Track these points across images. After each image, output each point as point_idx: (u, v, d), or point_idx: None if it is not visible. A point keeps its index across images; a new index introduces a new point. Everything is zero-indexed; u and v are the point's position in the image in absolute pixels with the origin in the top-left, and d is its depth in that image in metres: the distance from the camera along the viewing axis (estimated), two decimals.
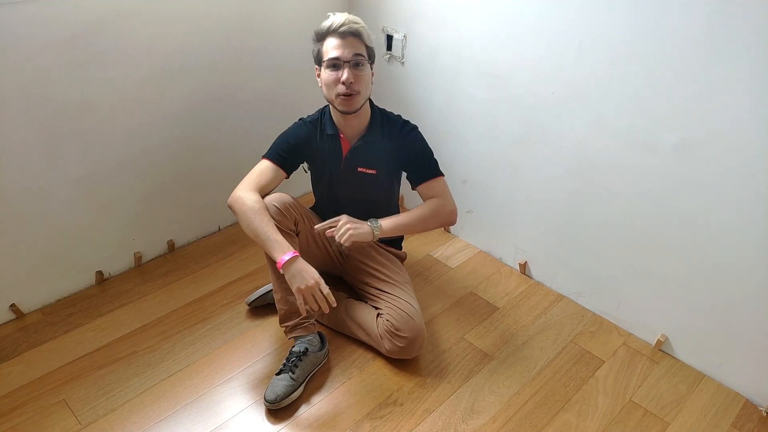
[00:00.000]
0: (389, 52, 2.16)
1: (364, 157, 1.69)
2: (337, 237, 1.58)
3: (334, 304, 1.52)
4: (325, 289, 1.50)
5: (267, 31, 2.05)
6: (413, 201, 2.03)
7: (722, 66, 1.40)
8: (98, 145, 1.79)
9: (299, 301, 1.50)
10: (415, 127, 1.72)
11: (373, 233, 1.61)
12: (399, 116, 1.73)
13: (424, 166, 1.71)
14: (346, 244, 1.57)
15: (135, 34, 1.73)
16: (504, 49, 1.82)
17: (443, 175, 1.73)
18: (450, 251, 2.21)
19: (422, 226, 1.70)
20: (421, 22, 2.02)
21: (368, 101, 1.67)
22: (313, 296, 1.49)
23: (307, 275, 1.48)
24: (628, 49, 1.55)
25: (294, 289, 1.49)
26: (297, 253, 1.51)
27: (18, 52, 1.54)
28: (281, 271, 1.51)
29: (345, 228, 1.58)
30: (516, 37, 1.78)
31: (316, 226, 1.64)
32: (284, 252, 1.49)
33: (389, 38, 2.13)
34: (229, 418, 1.54)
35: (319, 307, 1.51)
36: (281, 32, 2.09)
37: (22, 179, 1.67)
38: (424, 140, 1.73)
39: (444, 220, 1.73)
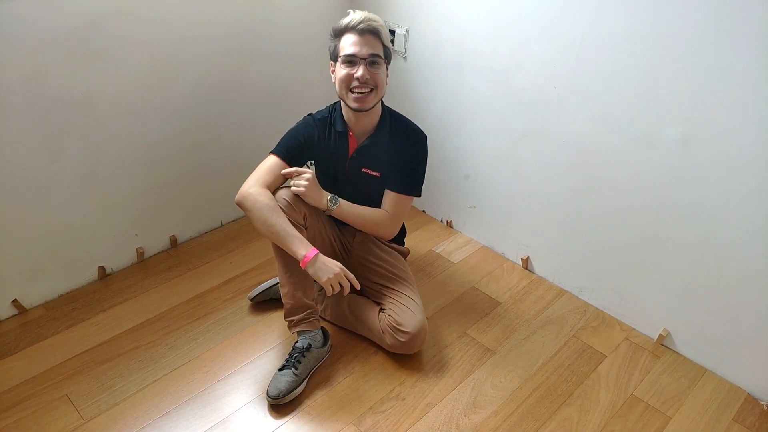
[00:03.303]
0: (392, 47, 2.15)
1: (370, 158, 1.69)
2: (292, 186, 1.58)
3: (358, 287, 1.60)
4: (350, 274, 1.57)
5: (269, 28, 2.04)
6: (417, 204, 2.01)
7: (724, 61, 1.40)
8: (100, 140, 1.79)
9: (327, 289, 1.55)
10: (423, 138, 1.72)
11: (327, 208, 1.63)
12: (410, 121, 1.73)
13: (406, 177, 1.71)
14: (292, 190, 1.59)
15: (137, 28, 1.72)
16: (506, 44, 1.82)
17: (417, 196, 1.73)
18: (452, 246, 2.21)
19: (364, 228, 1.73)
20: (424, 17, 2.02)
21: (380, 101, 1.66)
22: (339, 282, 1.56)
23: (332, 265, 1.55)
24: (631, 43, 1.54)
25: (323, 281, 1.54)
26: (317, 250, 1.54)
27: (19, 47, 1.53)
28: (305, 267, 1.52)
29: (302, 187, 1.57)
30: (518, 32, 1.77)
31: (283, 171, 1.61)
32: (307, 249, 1.53)
33: (392, 33, 2.13)
34: (232, 413, 1.55)
35: (330, 294, 1.56)
36: (283, 29, 2.08)
37: (23, 175, 1.67)
38: (425, 154, 1.73)
39: (379, 234, 1.77)
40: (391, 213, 1.72)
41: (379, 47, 1.56)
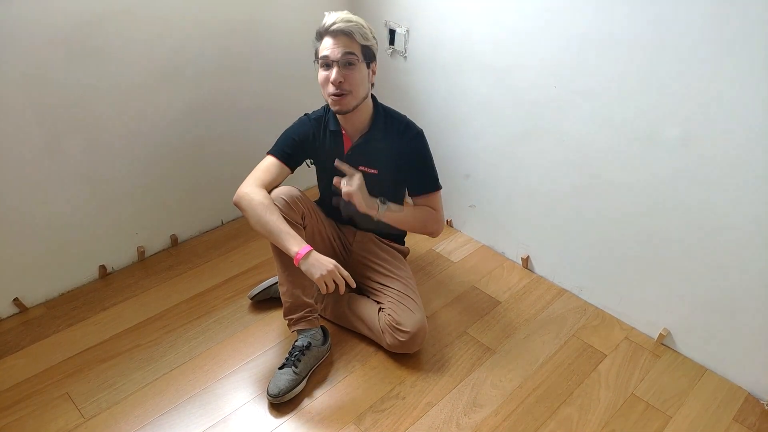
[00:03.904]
0: (392, 46, 2.15)
1: (366, 156, 1.68)
2: (343, 189, 1.58)
3: (354, 285, 1.55)
4: (344, 271, 1.53)
5: (268, 30, 2.05)
6: None
7: (725, 61, 1.40)
8: (101, 139, 1.79)
9: (321, 287, 1.51)
10: (419, 133, 1.70)
11: (377, 212, 1.63)
12: (404, 116, 1.72)
13: (423, 179, 1.72)
14: (343, 197, 1.59)
15: (137, 28, 1.73)
16: (506, 44, 1.82)
17: (441, 188, 1.73)
18: (452, 246, 2.21)
19: (411, 228, 1.74)
20: (424, 17, 2.02)
21: (371, 98, 1.66)
22: (334, 280, 1.51)
23: (325, 262, 1.51)
24: (631, 42, 1.54)
25: (315, 279, 1.50)
26: (311, 247, 1.53)
27: (21, 45, 1.54)
28: (298, 264, 1.51)
29: (353, 195, 1.57)
30: (518, 31, 1.77)
31: (335, 180, 1.61)
32: (300, 246, 1.51)
33: (392, 33, 2.13)
34: (232, 411, 1.55)
35: (330, 293, 1.53)
36: (282, 31, 2.09)
37: (25, 174, 1.68)
38: (427, 148, 1.71)
39: (428, 232, 1.75)
40: (434, 209, 1.72)
41: (354, 47, 1.53)
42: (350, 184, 1.57)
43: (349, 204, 1.61)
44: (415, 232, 1.76)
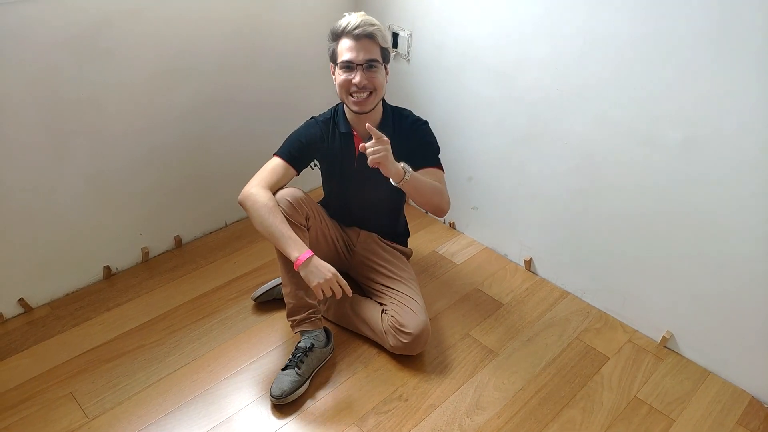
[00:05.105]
0: (395, 49, 2.16)
1: None
2: (368, 154, 1.48)
3: (350, 294, 1.57)
4: (342, 280, 1.55)
5: (274, 30, 2.06)
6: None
7: (726, 63, 1.40)
8: (106, 142, 1.80)
9: (317, 294, 1.54)
10: (426, 122, 1.74)
11: (403, 178, 1.54)
12: (409, 111, 1.76)
13: (427, 155, 1.71)
14: (369, 164, 1.50)
15: (143, 32, 1.74)
16: (509, 47, 1.82)
17: (444, 171, 1.71)
18: (455, 248, 2.21)
19: (429, 198, 1.63)
20: (427, 20, 2.03)
21: (381, 100, 1.67)
22: (331, 288, 1.54)
23: (324, 270, 1.53)
24: (633, 45, 1.54)
25: (313, 286, 1.53)
26: (312, 252, 1.53)
27: (26, 50, 1.55)
28: (298, 269, 1.52)
29: (379, 155, 1.48)
30: (521, 34, 1.78)
31: (361, 146, 1.51)
32: (300, 251, 1.52)
33: (395, 36, 2.14)
34: (235, 412, 1.55)
35: (333, 295, 1.55)
36: (288, 31, 2.09)
37: (31, 176, 1.69)
38: (433, 134, 1.75)
39: (440, 206, 1.66)
40: (441, 184, 1.67)
41: (376, 50, 1.57)
42: (377, 151, 1.47)
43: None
44: (430, 203, 1.65)
